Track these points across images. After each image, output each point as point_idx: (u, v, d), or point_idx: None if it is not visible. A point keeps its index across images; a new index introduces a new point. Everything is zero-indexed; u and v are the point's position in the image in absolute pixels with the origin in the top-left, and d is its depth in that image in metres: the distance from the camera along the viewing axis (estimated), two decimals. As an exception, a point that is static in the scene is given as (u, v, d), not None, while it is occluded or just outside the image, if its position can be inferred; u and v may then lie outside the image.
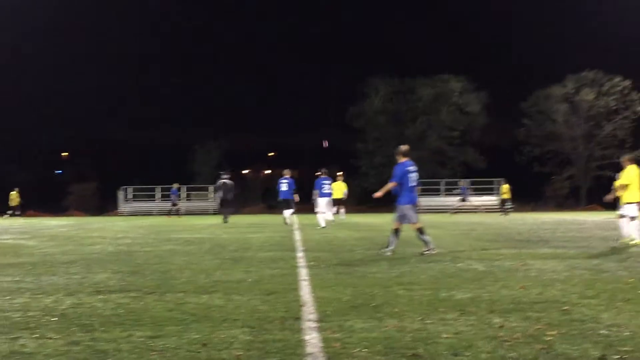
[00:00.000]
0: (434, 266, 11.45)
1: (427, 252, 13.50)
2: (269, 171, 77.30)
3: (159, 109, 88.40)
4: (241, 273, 10.70)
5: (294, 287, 8.97)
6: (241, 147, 72.73)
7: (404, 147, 14.07)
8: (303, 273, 10.62)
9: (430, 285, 9.12)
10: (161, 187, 58.37)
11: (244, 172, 76.46)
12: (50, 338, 6.05)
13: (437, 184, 57.59)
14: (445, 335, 5.99)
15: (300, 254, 13.88)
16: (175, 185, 49.24)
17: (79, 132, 79.08)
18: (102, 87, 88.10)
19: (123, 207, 58.33)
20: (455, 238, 18.82)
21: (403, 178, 13.59)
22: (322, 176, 26.94)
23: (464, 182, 52.09)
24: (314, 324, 6.49)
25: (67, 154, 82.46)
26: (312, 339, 5.87)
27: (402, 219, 13.71)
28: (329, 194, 27.21)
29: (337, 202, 34.49)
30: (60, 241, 19.26)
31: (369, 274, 10.45)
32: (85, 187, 63.21)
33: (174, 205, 48.88)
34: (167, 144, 76.88)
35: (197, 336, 6.04)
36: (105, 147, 77.03)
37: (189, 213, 53.96)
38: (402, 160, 13.81)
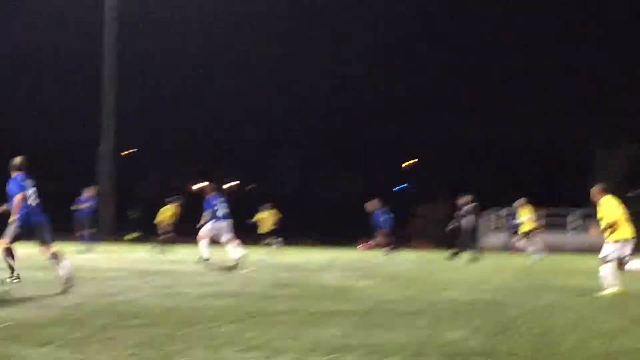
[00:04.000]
0: None
1: (11, 279, 16.33)
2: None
3: (537, 97, 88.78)
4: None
5: None
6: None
7: (18, 160, 16.42)
8: None
9: None
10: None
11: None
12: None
13: None
14: None
15: None
16: None
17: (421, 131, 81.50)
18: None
19: (489, 238, 54.65)
20: None
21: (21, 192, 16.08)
22: None
23: None
24: None
25: (413, 161, 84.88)
26: None
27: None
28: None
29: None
30: (399, 282, 19.98)
31: None
32: (435, 209, 62.44)
33: None
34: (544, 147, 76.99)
35: None
36: (458, 151, 78.21)
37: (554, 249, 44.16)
38: (16, 174, 16.25)
